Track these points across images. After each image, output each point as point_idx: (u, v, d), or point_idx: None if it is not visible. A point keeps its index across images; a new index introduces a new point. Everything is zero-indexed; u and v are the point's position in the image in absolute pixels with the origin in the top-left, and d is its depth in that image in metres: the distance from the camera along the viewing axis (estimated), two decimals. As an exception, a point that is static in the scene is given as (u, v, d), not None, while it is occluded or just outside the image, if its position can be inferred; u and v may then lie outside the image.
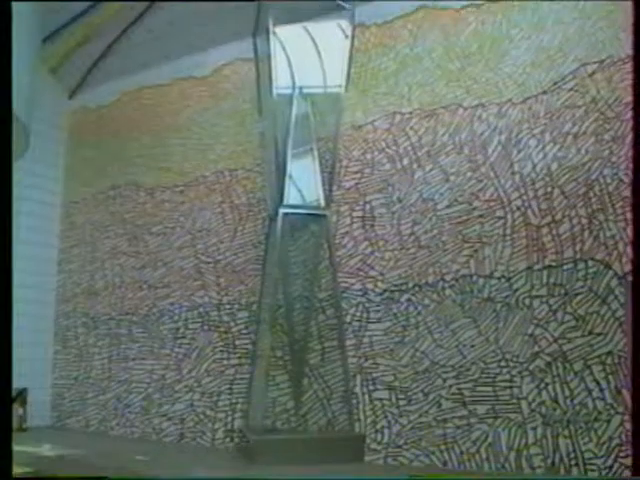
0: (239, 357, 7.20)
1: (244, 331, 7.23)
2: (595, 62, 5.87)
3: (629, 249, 5.27)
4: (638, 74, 4.35)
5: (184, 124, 8.37)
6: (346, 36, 6.90)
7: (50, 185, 9.32)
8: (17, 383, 6.16)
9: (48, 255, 9.18)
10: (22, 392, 7.98)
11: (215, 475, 5.57)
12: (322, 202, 6.59)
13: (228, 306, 7.40)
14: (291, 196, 6.53)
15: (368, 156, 6.82)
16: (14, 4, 5.49)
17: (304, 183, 6.65)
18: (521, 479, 5.43)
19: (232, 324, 7.34)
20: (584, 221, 5.59)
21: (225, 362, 7.30)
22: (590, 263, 5.49)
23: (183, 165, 8.24)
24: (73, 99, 9.72)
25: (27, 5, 6.83)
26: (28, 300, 8.20)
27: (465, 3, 6.59)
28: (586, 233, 5.56)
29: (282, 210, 6.41)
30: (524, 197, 5.90)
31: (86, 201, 9.18)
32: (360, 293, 6.55)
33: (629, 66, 5.63)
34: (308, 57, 6.94)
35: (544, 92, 6.02)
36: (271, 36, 6.73)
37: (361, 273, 6.59)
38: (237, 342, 7.26)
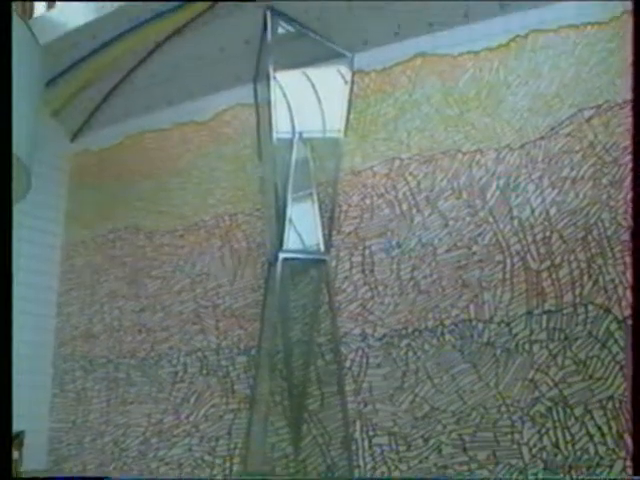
0: (238, 402, 7.15)
1: (243, 376, 7.19)
2: (592, 107, 5.94)
3: (628, 293, 5.28)
4: (637, 116, 4.39)
5: (185, 168, 8.41)
6: (345, 82, 7.01)
7: (51, 227, 9.33)
8: (14, 425, 6.12)
9: (47, 297, 9.15)
10: (19, 435, 7.89)
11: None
12: (322, 247, 6.62)
13: (227, 350, 7.37)
14: (291, 241, 6.56)
15: (367, 201, 6.84)
16: (17, 48, 5.60)
17: (304, 228, 6.68)
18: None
19: (231, 368, 7.30)
20: (583, 265, 5.60)
21: (224, 407, 7.25)
22: (590, 307, 5.50)
23: (183, 209, 8.26)
24: (75, 142, 9.76)
25: (30, 48, 6.91)
26: (26, 342, 8.18)
27: (462, 50, 6.68)
28: (585, 277, 5.57)
29: (282, 255, 6.42)
30: (523, 242, 5.92)
31: (86, 244, 9.18)
32: (359, 338, 6.53)
33: (626, 111, 5.70)
34: (308, 102, 7.05)
35: (542, 137, 6.08)
36: (271, 81, 6.82)
37: (360, 318, 6.57)
38: (236, 387, 7.21)
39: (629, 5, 5.80)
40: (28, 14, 10.35)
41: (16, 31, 5.83)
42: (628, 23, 5.84)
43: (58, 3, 9.81)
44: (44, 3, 10.25)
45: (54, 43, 8.36)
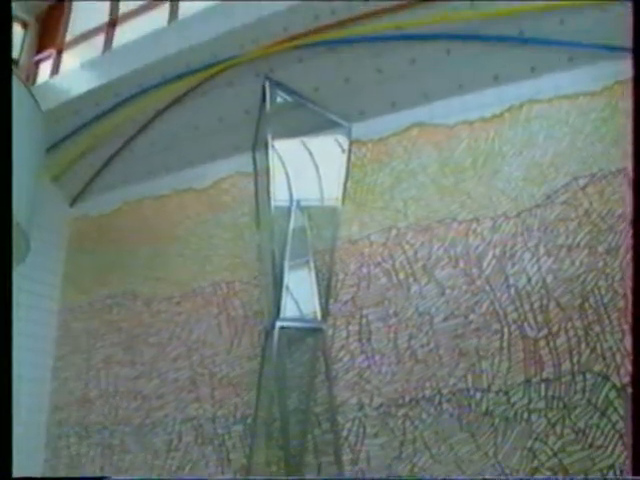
0: (234, 471, 7.05)
1: (239, 445, 7.09)
2: (587, 176, 6.03)
3: (627, 360, 5.26)
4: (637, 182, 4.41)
5: (183, 235, 8.45)
6: (343, 151, 7.13)
7: (48, 291, 9.31)
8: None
9: (43, 361, 9.07)
10: (9, 503, 7.72)
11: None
12: (319, 315, 6.65)
13: (223, 419, 7.29)
14: (288, 309, 6.59)
15: (364, 270, 6.86)
16: (19, 114, 5.67)
17: (301, 296, 6.71)
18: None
19: (226, 437, 7.21)
20: (581, 333, 5.61)
21: (219, 476, 7.13)
22: (588, 375, 5.48)
23: (181, 276, 8.27)
24: (74, 207, 9.84)
25: (32, 114, 7.00)
26: (21, 406, 8.07)
27: (458, 120, 6.82)
28: (583, 345, 5.57)
29: (278, 323, 6.44)
30: (520, 310, 5.92)
31: (82, 309, 9.15)
32: (356, 407, 6.46)
33: (620, 179, 5.82)
34: (306, 171, 7.15)
35: (537, 206, 6.15)
36: (270, 150, 6.91)
37: (357, 387, 6.52)
38: (231, 456, 7.11)
39: (621, 75, 5.96)
40: (31, 80, 10.57)
41: (18, 97, 5.91)
42: (620, 92, 6.01)
43: (61, 70, 10.07)
44: (48, 71, 10.51)
45: (56, 109, 8.53)
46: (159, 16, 9.20)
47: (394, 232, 6.82)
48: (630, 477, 4.82)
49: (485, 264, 6.20)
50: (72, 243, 9.74)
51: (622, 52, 5.85)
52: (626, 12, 5.48)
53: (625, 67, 5.80)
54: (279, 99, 7.21)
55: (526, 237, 6.10)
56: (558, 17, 6.26)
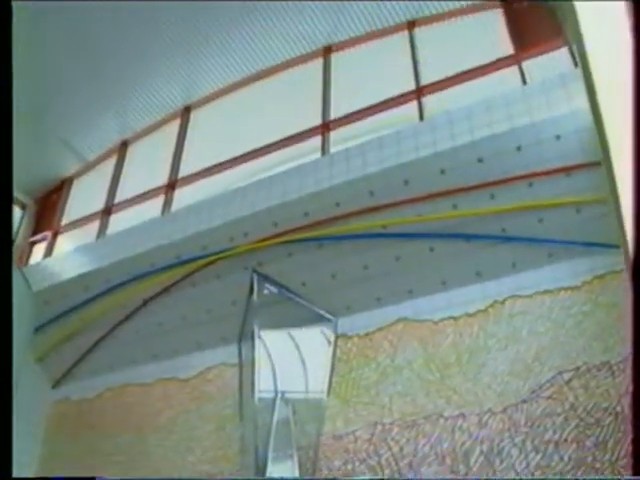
0: None
1: None
2: (571, 370, 6.06)
3: None
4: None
5: (165, 425, 8.30)
6: (329, 345, 7.19)
7: (24, 474, 9.00)
8: None
9: None
10: None
11: None
12: (301, 517, 6.48)
13: None
14: (269, 507, 6.43)
15: (349, 466, 6.73)
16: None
17: (283, 494, 6.57)
18: None
19: None
20: (574, 534, 5.47)
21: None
22: None
23: (161, 466, 8.03)
24: (56, 389, 9.70)
25: (22, 294, 7.09)
26: None
27: (443, 315, 6.94)
28: None
29: (260, 524, 6.28)
30: (509, 510, 5.80)
31: (58, 497, 8.83)
32: None
33: (603, 372, 5.87)
34: (291, 363, 7.18)
35: (523, 401, 6.14)
36: (256, 341, 6.96)
37: None
38: None
39: (599, 270, 6.20)
40: (25, 261, 10.75)
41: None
42: (599, 287, 6.21)
43: (55, 253, 10.28)
44: (41, 252, 10.71)
45: (47, 291, 8.69)
46: (153, 206, 9.55)
47: (379, 428, 6.74)
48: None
49: (472, 461, 6.11)
50: (51, 426, 9.55)
51: (599, 248, 6.12)
52: (597, 211, 5.84)
53: (602, 262, 6.07)
54: (266, 292, 7.37)
55: (513, 433, 6.05)
56: (537, 216, 6.56)
